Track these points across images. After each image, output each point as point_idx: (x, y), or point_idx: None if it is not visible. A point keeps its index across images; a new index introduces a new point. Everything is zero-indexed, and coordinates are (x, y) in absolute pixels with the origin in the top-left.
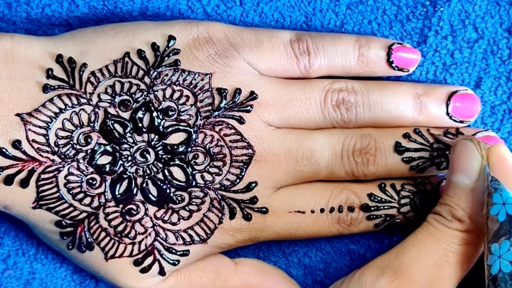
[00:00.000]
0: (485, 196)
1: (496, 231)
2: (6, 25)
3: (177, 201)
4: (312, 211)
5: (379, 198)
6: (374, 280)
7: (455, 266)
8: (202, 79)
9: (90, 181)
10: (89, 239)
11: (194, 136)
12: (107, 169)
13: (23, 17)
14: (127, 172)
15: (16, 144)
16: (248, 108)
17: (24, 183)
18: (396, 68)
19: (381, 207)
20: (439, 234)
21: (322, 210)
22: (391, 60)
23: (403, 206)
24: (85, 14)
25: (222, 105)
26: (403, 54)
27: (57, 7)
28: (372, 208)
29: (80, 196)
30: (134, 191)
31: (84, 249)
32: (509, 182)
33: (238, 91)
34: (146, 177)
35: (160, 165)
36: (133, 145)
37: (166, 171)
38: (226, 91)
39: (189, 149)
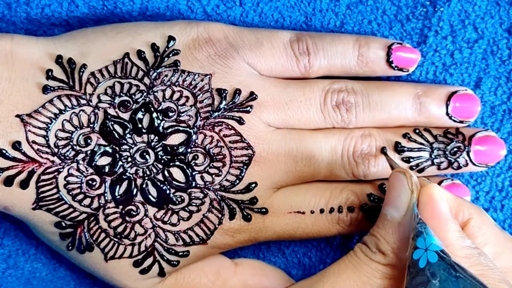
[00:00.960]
0: (410, 236)
1: (414, 277)
2: (6, 25)
3: (177, 202)
4: (312, 212)
5: (379, 199)
6: None
7: None
8: (202, 80)
9: (90, 182)
10: (88, 240)
11: (194, 137)
12: (107, 170)
13: (23, 18)
14: (127, 173)
15: (16, 145)
16: (248, 108)
17: (24, 184)
18: (395, 68)
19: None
20: (361, 265)
21: (321, 211)
22: (390, 60)
23: None
24: (85, 14)
25: (222, 105)
26: (403, 54)
27: (57, 7)
28: (372, 209)
29: (80, 197)
30: (134, 192)
31: (83, 250)
32: (436, 226)
33: (237, 91)
34: (146, 178)
35: (160, 166)
36: (132, 146)
37: (166, 172)
38: (226, 91)
39: (189, 150)
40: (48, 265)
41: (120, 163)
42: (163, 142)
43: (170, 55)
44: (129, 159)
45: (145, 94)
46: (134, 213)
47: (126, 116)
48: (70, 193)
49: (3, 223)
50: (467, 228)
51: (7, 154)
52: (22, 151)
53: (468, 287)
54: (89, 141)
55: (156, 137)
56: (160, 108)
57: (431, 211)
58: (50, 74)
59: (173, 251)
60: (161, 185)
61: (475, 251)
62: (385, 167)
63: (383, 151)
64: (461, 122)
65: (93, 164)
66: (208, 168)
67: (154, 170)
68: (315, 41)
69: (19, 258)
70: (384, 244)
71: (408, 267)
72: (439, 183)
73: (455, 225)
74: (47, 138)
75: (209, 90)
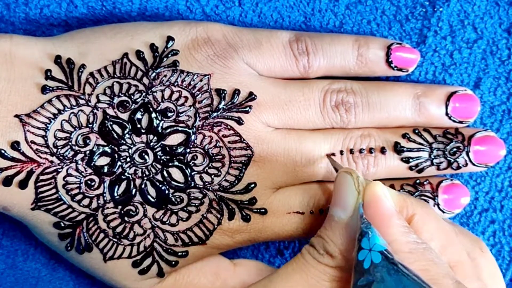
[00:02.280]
0: (356, 237)
1: (359, 278)
2: (5, 26)
3: (176, 202)
4: (311, 212)
5: None
6: None
7: None
8: (201, 80)
9: (89, 182)
10: (87, 240)
11: (192, 137)
12: (106, 170)
13: (22, 18)
14: (126, 173)
15: (15, 145)
16: (247, 109)
17: (23, 184)
18: (395, 68)
19: None
20: (308, 268)
21: (321, 211)
22: (390, 60)
23: None
24: (84, 14)
25: (221, 106)
26: (402, 54)
27: (56, 8)
28: None
29: (79, 197)
30: (133, 192)
31: (82, 250)
32: (380, 223)
33: (237, 92)
34: (145, 178)
35: (159, 166)
36: (131, 146)
37: (165, 172)
38: (225, 92)
39: (188, 150)
40: (47, 266)
41: (119, 163)
42: (162, 142)
43: (169, 55)
44: (128, 159)
45: (144, 94)
46: (133, 213)
47: (125, 116)
48: (69, 193)
49: (2, 224)
50: (412, 224)
51: (6, 154)
52: (21, 151)
53: (410, 286)
54: (88, 141)
55: (155, 137)
56: (159, 108)
57: (375, 208)
58: (49, 74)
59: (172, 252)
60: (160, 186)
61: (420, 246)
62: (384, 167)
63: (327, 154)
64: (461, 122)
65: (92, 164)
66: (207, 168)
67: (153, 170)
68: (314, 41)
69: (18, 258)
70: (332, 245)
71: (354, 268)
72: (439, 183)
73: (399, 220)
74: (46, 138)
75: (208, 90)
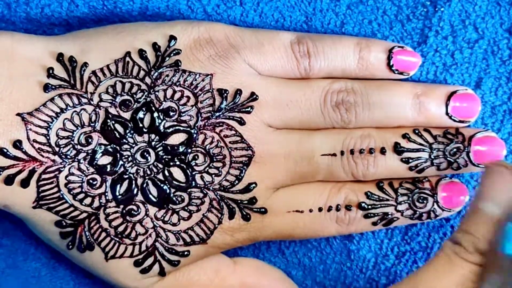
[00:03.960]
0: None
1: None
2: (6, 25)
3: (177, 202)
4: (311, 210)
5: (376, 197)
6: None
7: None
8: (203, 80)
9: (91, 181)
10: (89, 239)
11: (194, 137)
12: (108, 169)
13: (23, 17)
14: (128, 173)
15: (17, 144)
16: (249, 109)
17: (24, 183)
18: (396, 72)
19: (379, 205)
20: (457, 269)
21: (320, 209)
22: (391, 63)
23: (401, 204)
24: (85, 14)
25: (222, 106)
26: (404, 57)
27: (57, 7)
28: (370, 207)
29: (81, 196)
30: (135, 192)
31: (84, 249)
32: None
33: (238, 92)
34: (147, 177)
35: (161, 165)
36: (133, 145)
37: (166, 172)
38: (227, 92)
39: (189, 150)
40: (47, 265)
41: (121, 162)
42: (164, 141)
43: (171, 54)
44: (130, 158)
45: (146, 93)
46: (134, 213)
47: (127, 115)
48: (71, 192)
49: (3, 223)
50: None
51: (8, 153)
52: (23, 150)
53: None
54: (90, 140)
55: (157, 137)
56: (161, 107)
57: None
58: (51, 72)
59: (173, 251)
60: (162, 185)
61: None
62: (384, 168)
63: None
64: (461, 122)
65: (94, 163)
66: (208, 168)
67: (155, 170)
68: (315, 43)
69: (18, 257)
70: (483, 243)
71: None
72: (438, 181)
73: None
74: (48, 137)
75: (210, 90)
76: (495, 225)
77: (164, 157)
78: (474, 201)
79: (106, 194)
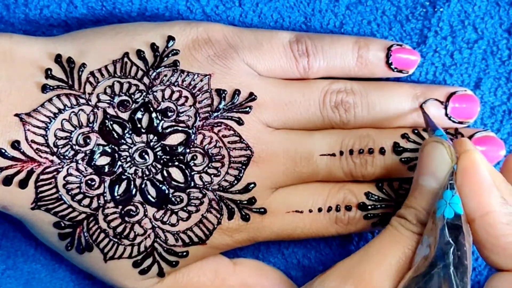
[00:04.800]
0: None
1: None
2: (4, 27)
3: (176, 202)
4: (310, 211)
5: (376, 197)
6: None
7: None
8: (201, 80)
9: (89, 182)
10: (88, 240)
11: (192, 137)
12: (106, 170)
13: (21, 19)
14: (126, 173)
15: (15, 144)
16: (247, 109)
17: (23, 184)
18: (395, 70)
19: (378, 206)
20: (403, 239)
21: (319, 210)
22: (390, 61)
23: (401, 204)
24: (84, 15)
25: (221, 106)
26: (402, 55)
27: (56, 8)
28: (369, 207)
29: (79, 197)
30: (133, 192)
31: (83, 250)
32: (478, 194)
33: (237, 92)
34: (145, 178)
35: (159, 166)
36: (132, 145)
37: (165, 172)
38: (225, 92)
39: (188, 150)
40: (47, 266)
41: (119, 163)
42: (162, 142)
43: (170, 55)
44: (128, 159)
45: (144, 94)
46: (133, 213)
47: (125, 115)
48: (69, 193)
49: (2, 224)
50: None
51: (6, 153)
52: (21, 150)
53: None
54: (88, 140)
55: (155, 137)
56: (159, 108)
57: (473, 176)
58: (49, 73)
59: (172, 252)
60: (160, 185)
61: None
62: (383, 168)
63: (421, 107)
64: (461, 122)
65: (92, 164)
66: (206, 168)
67: (153, 170)
68: (314, 42)
69: (18, 259)
70: (424, 214)
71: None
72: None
73: (497, 191)
74: (46, 138)
75: (209, 91)
76: (433, 197)
77: (163, 157)
78: (414, 177)
79: (105, 194)
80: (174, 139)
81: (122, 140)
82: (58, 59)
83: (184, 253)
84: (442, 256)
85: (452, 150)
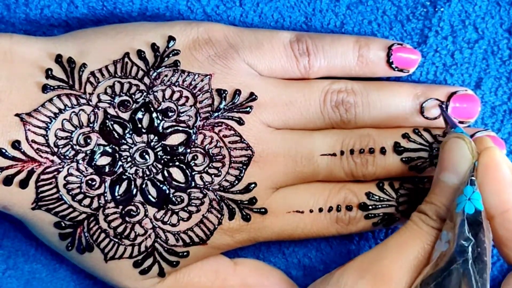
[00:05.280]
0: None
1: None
2: (5, 27)
3: (177, 202)
4: (311, 211)
5: (377, 197)
6: (354, 283)
7: None
8: (202, 80)
9: (90, 182)
10: (88, 240)
11: (193, 137)
12: (107, 170)
13: (22, 19)
14: (127, 173)
15: (16, 144)
16: (248, 109)
17: (23, 184)
18: (396, 69)
19: (379, 206)
20: (423, 234)
21: (320, 210)
22: (391, 60)
23: (402, 204)
24: (84, 15)
25: (221, 106)
26: (403, 54)
27: (56, 8)
28: (370, 207)
29: (80, 197)
30: (134, 192)
31: (83, 250)
32: (499, 190)
33: (237, 92)
34: (146, 178)
35: (160, 166)
36: (132, 146)
37: (165, 172)
38: (226, 92)
39: (189, 150)
40: (48, 266)
41: (119, 163)
42: (163, 142)
43: (170, 55)
44: (129, 159)
45: (145, 94)
46: (134, 213)
47: (126, 116)
48: (70, 193)
49: (3, 224)
50: None
51: (6, 153)
52: (22, 150)
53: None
54: (88, 140)
55: (156, 137)
56: (160, 108)
57: (494, 173)
58: (49, 73)
59: (173, 252)
60: (161, 185)
61: None
62: (384, 168)
63: (440, 106)
64: (461, 122)
65: (93, 164)
66: (207, 168)
67: (154, 170)
68: (315, 42)
69: (19, 259)
70: (445, 210)
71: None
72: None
73: None
74: (46, 138)
75: (209, 91)
76: (454, 193)
77: (163, 157)
78: (435, 174)
79: (105, 194)
80: (174, 139)
81: (123, 140)
82: (58, 59)
83: (185, 253)
84: (461, 252)
85: (473, 146)
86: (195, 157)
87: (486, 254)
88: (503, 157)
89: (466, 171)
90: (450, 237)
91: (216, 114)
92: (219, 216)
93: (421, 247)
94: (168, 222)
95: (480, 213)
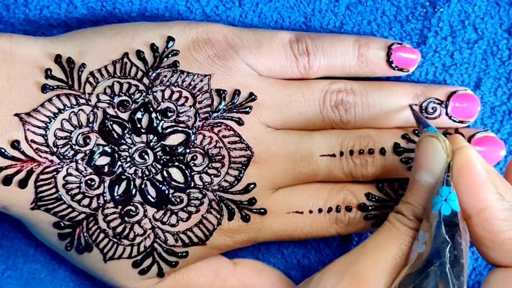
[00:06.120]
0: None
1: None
2: (4, 27)
3: (176, 203)
4: (310, 211)
5: (376, 198)
6: (332, 285)
7: None
8: (201, 80)
9: (89, 182)
10: (87, 240)
11: (192, 137)
12: (106, 170)
13: (21, 19)
14: (126, 173)
15: (15, 144)
16: (247, 109)
17: (22, 184)
18: (396, 68)
19: (379, 206)
20: (400, 235)
21: (320, 210)
22: (390, 60)
23: None
24: (84, 15)
25: (221, 106)
26: (403, 54)
27: (55, 9)
28: (370, 208)
29: (79, 197)
30: (133, 192)
31: (82, 250)
32: (474, 190)
33: (237, 92)
34: (145, 178)
35: (159, 166)
36: (131, 146)
37: (164, 172)
38: (225, 92)
39: (188, 150)
40: (47, 266)
41: (119, 163)
42: (162, 142)
43: (170, 55)
44: (128, 159)
45: (144, 94)
46: (133, 214)
47: (125, 116)
48: (69, 193)
49: (2, 224)
50: None
51: (6, 153)
52: (21, 150)
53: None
54: (88, 140)
55: (155, 137)
56: (159, 108)
57: (469, 173)
58: (49, 73)
59: (172, 252)
60: (160, 186)
61: None
62: (383, 168)
63: (410, 106)
64: (461, 122)
65: (92, 164)
66: (206, 168)
67: (153, 170)
68: (314, 41)
69: (18, 259)
70: (421, 210)
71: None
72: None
73: (493, 187)
74: (46, 137)
75: (209, 91)
76: (430, 192)
77: (163, 157)
78: (411, 173)
79: (104, 194)
80: (174, 139)
81: (122, 140)
82: (57, 59)
83: (184, 254)
84: (438, 254)
85: (448, 144)
86: (195, 157)
87: (463, 256)
88: (477, 155)
89: (441, 171)
90: (427, 238)
91: (215, 114)
92: (218, 216)
93: (399, 247)
94: (167, 222)
95: (457, 214)
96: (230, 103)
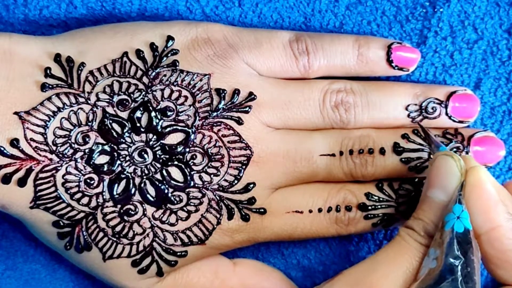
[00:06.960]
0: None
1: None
2: (4, 27)
3: (175, 202)
4: (310, 211)
5: (376, 197)
6: None
7: None
8: (201, 80)
9: (88, 180)
10: (87, 239)
11: (192, 137)
12: (105, 168)
13: (21, 19)
14: (125, 172)
15: (14, 142)
16: (247, 109)
17: (21, 182)
18: (396, 68)
19: (379, 206)
20: (411, 250)
21: (320, 210)
22: (390, 59)
23: (401, 205)
24: (83, 15)
25: (220, 105)
26: (403, 53)
27: (55, 9)
28: (370, 208)
29: (78, 196)
30: (132, 191)
31: (81, 249)
32: (485, 210)
33: (236, 91)
34: (144, 177)
35: (158, 165)
36: (131, 144)
37: (164, 171)
38: (225, 91)
39: (187, 150)
40: (47, 266)
41: (118, 162)
42: (162, 141)
43: (169, 54)
44: (127, 158)
45: (143, 93)
46: (132, 213)
47: (124, 115)
48: (68, 191)
49: (2, 224)
50: None
51: (5, 151)
52: (20, 148)
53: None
54: (87, 139)
55: (155, 136)
56: (158, 107)
57: (480, 193)
58: (48, 72)
59: (171, 251)
60: (160, 185)
61: None
62: (383, 168)
63: (419, 124)
64: (461, 122)
65: (91, 163)
66: (206, 168)
67: (153, 169)
68: (314, 41)
69: (18, 259)
70: (432, 227)
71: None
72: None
73: (503, 206)
74: (45, 136)
75: (208, 90)
76: (442, 210)
77: (162, 156)
78: (423, 190)
79: (104, 193)
80: (173, 138)
81: (121, 139)
82: (57, 58)
83: (183, 253)
84: (451, 270)
85: (462, 164)
86: (194, 156)
87: (475, 273)
88: (488, 175)
89: (454, 189)
90: (438, 254)
91: (215, 113)
92: (218, 216)
93: (410, 262)
94: (166, 222)
95: (469, 232)
96: (229, 103)
